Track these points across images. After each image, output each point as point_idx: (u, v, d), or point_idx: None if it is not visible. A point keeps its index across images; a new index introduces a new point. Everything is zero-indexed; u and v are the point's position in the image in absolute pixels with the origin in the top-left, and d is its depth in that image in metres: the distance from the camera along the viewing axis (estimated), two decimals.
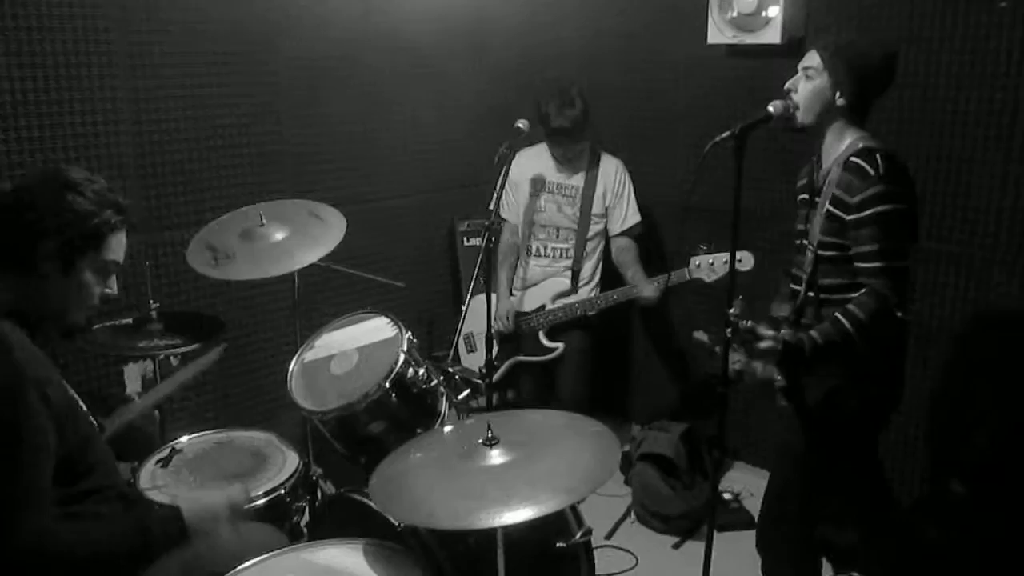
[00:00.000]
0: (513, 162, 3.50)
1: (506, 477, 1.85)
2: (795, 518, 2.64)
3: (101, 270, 1.86)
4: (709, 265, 3.27)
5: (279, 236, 2.75)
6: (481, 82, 4.13)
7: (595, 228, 3.69)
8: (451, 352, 3.50)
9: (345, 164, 3.81)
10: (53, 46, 2.93)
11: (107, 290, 1.91)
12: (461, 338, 3.83)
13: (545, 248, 3.73)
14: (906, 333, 2.52)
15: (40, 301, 1.81)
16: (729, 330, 2.31)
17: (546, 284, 3.71)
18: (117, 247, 1.88)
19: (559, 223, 3.70)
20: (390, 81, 3.88)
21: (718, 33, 3.56)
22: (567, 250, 3.70)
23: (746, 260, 3.15)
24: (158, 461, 2.39)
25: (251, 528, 2.14)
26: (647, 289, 3.47)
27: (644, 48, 4.02)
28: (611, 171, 3.67)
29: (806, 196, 2.58)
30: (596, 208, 3.66)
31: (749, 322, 2.33)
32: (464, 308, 3.27)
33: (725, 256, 3.21)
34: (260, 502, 2.28)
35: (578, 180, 3.66)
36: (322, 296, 3.61)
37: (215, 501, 1.89)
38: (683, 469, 3.63)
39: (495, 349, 3.23)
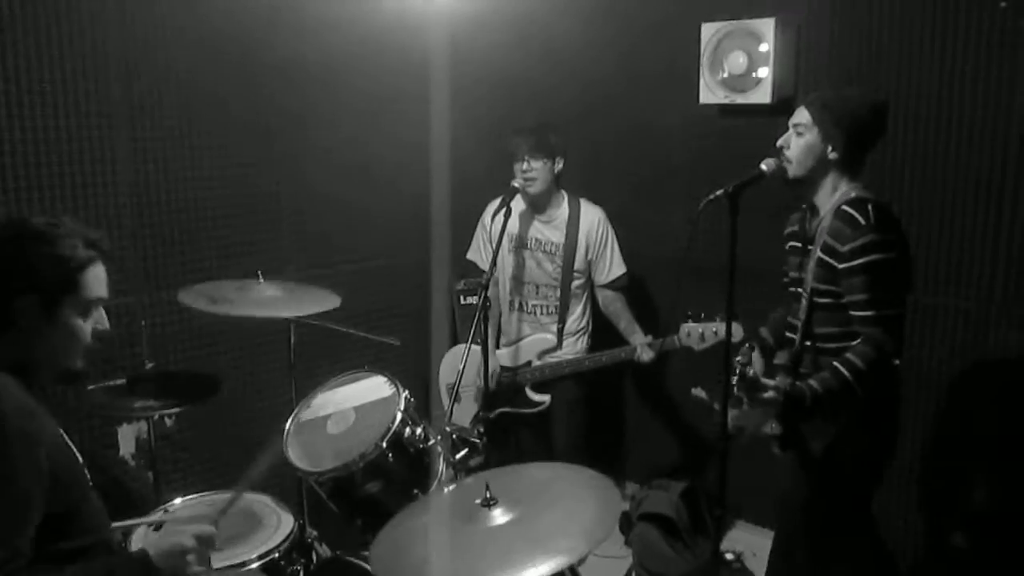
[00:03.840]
0: (492, 218, 3.51)
1: (505, 538, 1.82)
2: (800, 572, 2.60)
3: (85, 310, 1.82)
4: (699, 335, 3.25)
5: (275, 293, 2.88)
6: (473, 142, 4.17)
7: (577, 283, 3.61)
8: (448, 411, 3.48)
9: (342, 223, 3.83)
10: (55, 109, 2.97)
11: (98, 326, 1.86)
12: (447, 388, 3.81)
13: (527, 304, 3.68)
14: (898, 381, 2.53)
15: (31, 353, 1.79)
16: (735, 377, 2.30)
17: (531, 341, 3.67)
18: (95, 282, 1.83)
19: (538, 280, 3.63)
20: (387, 143, 3.93)
21: (710, 93, 3.62)
22: (547, 307, 3.64)
23: (736, 333, 3.12)
24: (150, 525, 2.35)
25: None
26: (644, 357, 3.42)
27: (637, 107, 4.08)
28: (592, 225, 3.56)
29: (798, 244, 2.60)
30: (578, 264, 3.58)
31: (753, 371, 2.33)
32: (461, 366, 3.25)
33: (714, 327, 3.21)
34: (254, 565, 2.24)
35: (558, 236, 3.58)
36: (318, 355, 3.59)
37: (180, 539, 1.85)
38: (684, 529, 3.58)
39: (483, 402, 3.22)
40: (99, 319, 1.87)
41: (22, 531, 1.65)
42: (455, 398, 3.80)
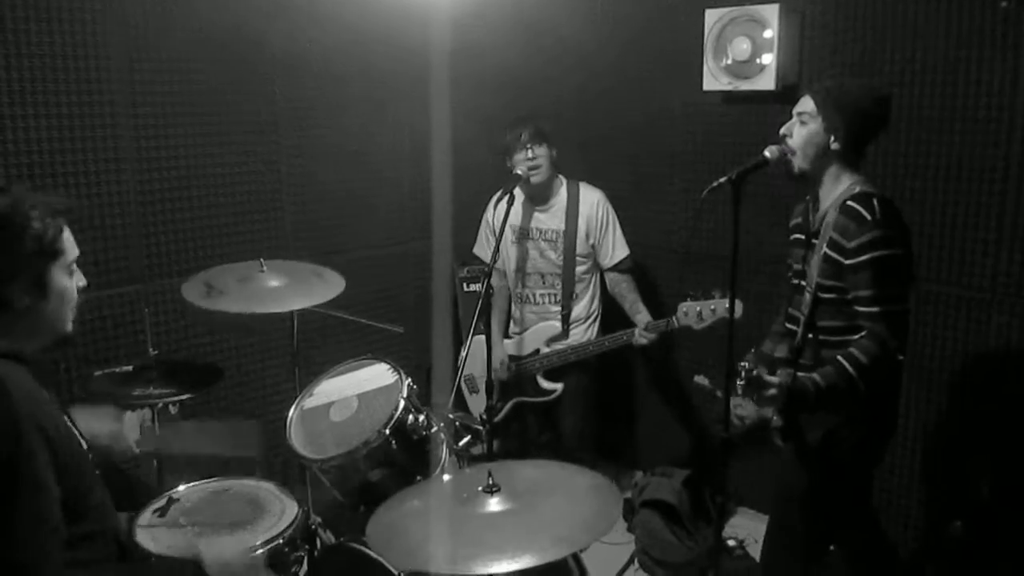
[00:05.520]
0: (495, 210, 3.51)
1: (506, 525, 1.83)
2: (797, 563, 2.61)
3: (67, 272, 1.87)
4: (697, 313, 3.22)
5: (276, 283, 2.85)
6: (475, 129, 4.16)
7: (582, 268, 3.59)
8: (451, 398, 3.49)
9: (344, 212, 3.83)
10: (57, 97, 2.97)
11: (79, 283, 1.90)
12: (463, 379, 3.82)
13: (534, 295, 3.67)
14: (900, 371, 2.54)
15: (32, 330, 1.82)
16: (741, 381, 2.32)
17: (538, 328, 3.67)
18: (70, 245, 1.87)
19: (543, 269, 3.62)
20: (389, 132, 3.92)
21: (713, 80, 3.60)
22: (555, 295, 3.63)
23: (737, 310, 3.10)
24: (155, 510, 2.36)
25: None
26: (640, 340, 3.41)
27: (641, 95, 4.07)
28: (592, 208, 3.53)
29: (801, 236, 2.60)
30: (580, 249, 3.56)
31: (755, 371, 2.35)
32: (464, 353, 3.26)
33: (713, 304, 3.19)
34: (259, 552, 2.25)
35: (558, 223, 3.58)
36: (321, 343, 3.60)
37: (235, 557, 1.88)
38: (686, 515, 3.59)
39: (496, 391, 3.21)
40: (79, 277, 1.91)
41: (52, 507, 1.68)
42: (471, 387, 3.82)
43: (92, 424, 2.21)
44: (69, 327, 1.90)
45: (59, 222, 1.84)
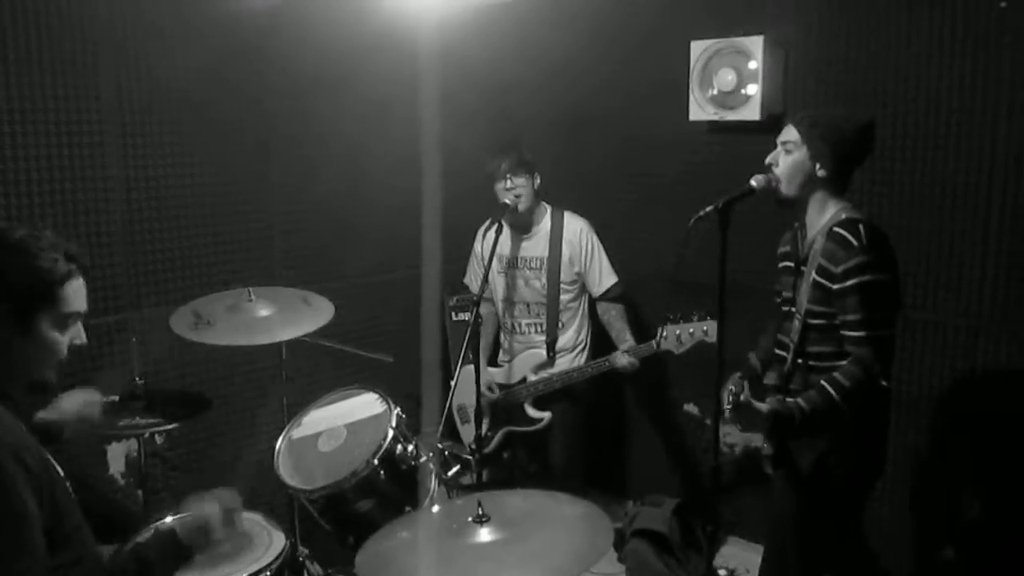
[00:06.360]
0: (483, 240, 3.52)
1: (497, 555, 1.82)
2: None
3: (61, 323, 1.81)
4: (676, 337, 3.23)
5: (265, 312, 2.84)
6: (464, 158, 4.18)
7: (567, 296, 3.58)
8: (439, 428, 3.47)
9: (332, 240, 3.83)
10: (47, 126, 2.98)
11: (75, 341, 1.85)
12: (456, 410, 3.80)
13: (520, 325, 3.67)
14: (889, 399, 2.54)
15: (3, 364, 1.78)
16: (729, 406, 2.33)
17: (525, 356, 3.66)
18: (74, 297, 1.81)
19: (528, 298, 3.62)
20: (378, 160, 3.93)
21: (699, 110, 3.64)
22: (540, 325, 3.63)
23: (711, 330, 3.11)
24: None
25: None
26: (619, 361, 3.40)
27: (628, 124, 4.10)
28: (575, 235, 3.54)
29: (790, 264, 2.62)
30: (565, 276, 3.56)
31: (744, 396, 2.36)
32: (453, 383, 3.25)
33: (691, 327, 3.17)
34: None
35: (541, 251, 3.57)
36: (310, 372, 3.58)
37: (204, 509, 1.90)
38: (677, 545, 3.56)
39: (486, 421, 3.19)
40: (76, 333, 1.86)
41: (35, 536, 1.66)
42: (463, 418, 3.80)
43: (64, 403, 2.25)
44: (48, 377, 1.84)
45: (68, 270, 1.79)
